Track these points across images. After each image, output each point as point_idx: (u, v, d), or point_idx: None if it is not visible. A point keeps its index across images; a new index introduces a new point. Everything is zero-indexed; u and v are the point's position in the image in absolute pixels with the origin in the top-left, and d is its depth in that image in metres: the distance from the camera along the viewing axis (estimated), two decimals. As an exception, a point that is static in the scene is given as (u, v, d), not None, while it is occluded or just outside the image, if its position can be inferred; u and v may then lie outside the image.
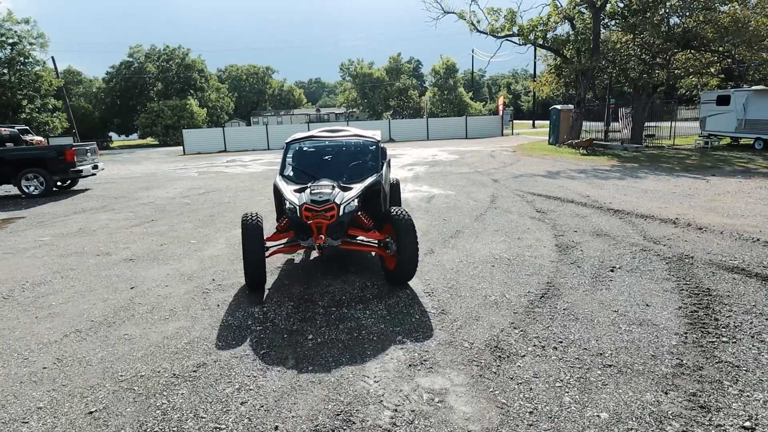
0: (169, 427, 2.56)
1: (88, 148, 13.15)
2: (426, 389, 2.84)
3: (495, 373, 3.00)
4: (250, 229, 4.29)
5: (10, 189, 12.74)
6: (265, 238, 4.52)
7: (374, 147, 5.48)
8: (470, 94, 54.64)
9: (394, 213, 4.39)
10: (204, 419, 2.62)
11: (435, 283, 4.62)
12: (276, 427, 2.53)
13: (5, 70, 34.25)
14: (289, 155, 5.49)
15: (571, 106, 22.10)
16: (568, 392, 2.76)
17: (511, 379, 2.93)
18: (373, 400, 2.74)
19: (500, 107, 37.00)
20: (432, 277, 4.79)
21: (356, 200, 4.42)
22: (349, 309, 4.06)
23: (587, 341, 3.36)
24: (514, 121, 40.08)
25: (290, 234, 4.67)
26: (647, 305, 3.91)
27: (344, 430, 2.50)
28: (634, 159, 15.25)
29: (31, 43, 35.04)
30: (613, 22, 20.45)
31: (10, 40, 34.06)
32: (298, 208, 4.32)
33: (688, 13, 17.60)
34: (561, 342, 3.36)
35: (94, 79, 62.86)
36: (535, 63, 38.18)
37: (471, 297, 4.23)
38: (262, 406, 2.71)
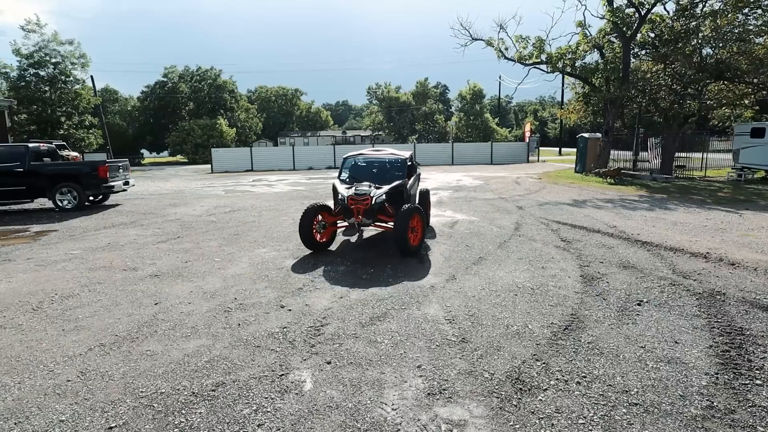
0: (186, 446, 2.57)
1: (120, 164, 13.65)
2: (444, 419, 2.78)
3: (516, 406, 2.92)
4: (306, 210, 6.83)
5: (45, 202, 13.28)
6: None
7: (402, 162, 7.78)
8: (496, 119, 54.74)
9: (403, 209, 6.39)
10: (220, 439, 2.62)
11: (456, 310, 4.56)
12: (291, 452, 2.51)
13: (47, 88, 36.16)
14: (345, 166, 8.08)
15: (598, 135, 21.86)
16: (591, 430, 2.66)
17: (533, 413, 2.84)
18: (390, 429, 2.70)
19: (526, 134, 36.93)
20: (453, 303, 4.73)
21: (384, 195, 6.77)
22: (365, 327, 4.03)
23: (612, 377, 3.24)
24: (541, 148, 39.84)
25: (340, 217, 7.01)
26: (676, 342, 3.76)
27: (359, 458, 2.45)
28: (663, 190, 14.89)
29: (73, 63, 37.00)
30: (643, 52, 20.32)
31: (54, 60, 36.07)
32: (345, 198, 6.76)
33: (721, 45, 17.33)
34: (585, 377, 3.25)
35: (129, 97, 65.72)
36: (562, 90, 38.12)
37: (492, 326, 4.15)
38: (280, 429, 2.70)
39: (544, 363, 3.46)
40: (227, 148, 40.47)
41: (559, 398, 3.00)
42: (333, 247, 7.34)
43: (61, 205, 12.18)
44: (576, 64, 20.80)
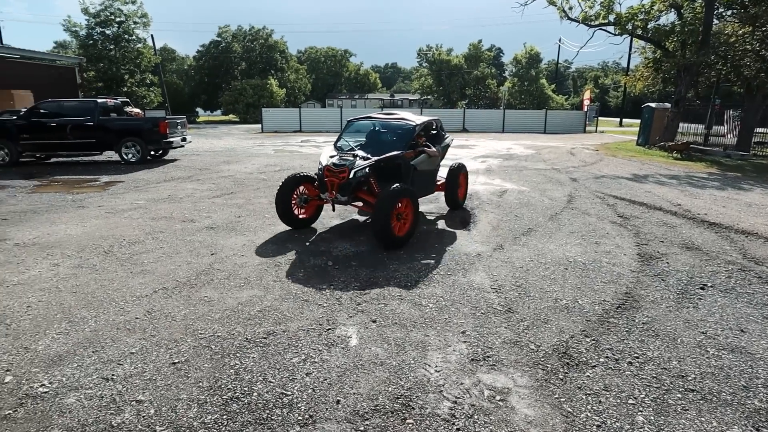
0: (240, 387, 2.74)
1: (178, 121, 14.17)
2: (487, 386, 2.80)
3: (562, 380, 2.88)
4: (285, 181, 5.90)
5: (112, 155, 14.09)
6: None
7: (408, 130, 6.24)
8: (552, 86, 51.88)
9: (389, 189, 5.10)
10: (272, 384, 2.77)
11: (503, 279, 4.50)
12: (338, 401, 2.61)
13: (112, 46, 37.76)
14: (347, 130, 6.72)
15: (667, 105, 20.27)
16: (642, 411, 2.59)
17: (579, 388, 2.79)
18: (433, 389, 2.75)
19: (585, 102, 34.87)
20: (500, 273, 4.67)
21: (367, 169, 5.45)
22: (410, 290, 4.07)
23: (668, 361, 3.11)
24: (599, 118, 37.56)
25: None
26: (742, 331, 3.54)
27: (403, 414, 2.53)
28: (738, 168, 13.74)
29: (135, 22, 38.25)
30: (729, 12, 18.31)
31: (118, 19, 37.42)
32: (322, 168, 5.57)
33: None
34: (637, 357, 3.15)
35: (185, 56, 67.46)
36: (629, 55, 35.38)
37: (540, 298, 4.07)
38: (326, 380, 2.82)
39: (593, 340, 3.37)
40: (277, 108, 41.00)
41: (608, 376, 2.92)
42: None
43: (126, 158, 12.90)
44: (648, 26, 19.12)
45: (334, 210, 6.66)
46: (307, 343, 3.25)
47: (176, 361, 3.01)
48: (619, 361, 3.10)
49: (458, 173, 7.25)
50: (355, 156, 5.56)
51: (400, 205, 5.22)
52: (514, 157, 15.63)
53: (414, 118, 6.49)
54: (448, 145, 7.20)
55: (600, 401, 2.67)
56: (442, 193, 7.42)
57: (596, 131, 32.32)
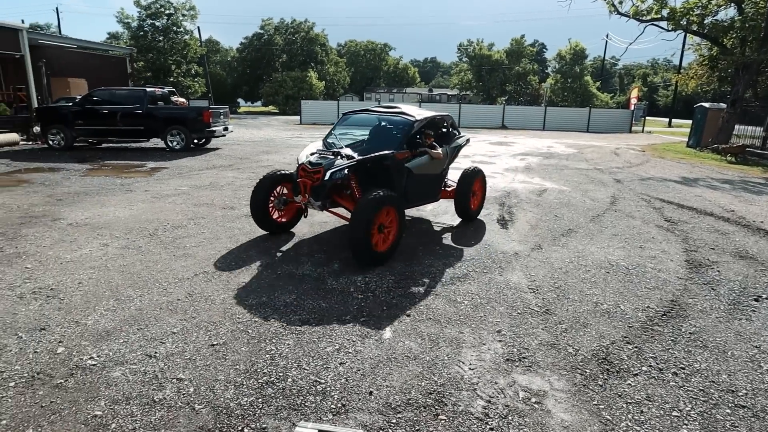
0: (276, 372, 2.80)
1: (221, 111, 14.56)
2: (522, 387, 2.74)
3: (601, 386, 2.78)
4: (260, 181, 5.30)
5: (158, 142, 14.63)
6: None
7: (404, 126, 5.41)
8: (597, 83, 50.01)
9: (368, 196, 4.36)
10: (306, 371, 2.81)
11: (540, 280, 4.38)
12: (371, 392, 2.62)
13: (161, 38, 39.25)
14: (339, 124, 6.00)
15: (722, 105, 19.17)
16: (687, 425, 2.47)
17: (620, 396, 2.69)
18: (466, 387, 2.71)
19: (632, 100, 33.43)
20: (538, 273, 4.55)
21: (345, 170, 4.67)
22: (445, 286, 4.03)
23: (717, 374, 2.95)
24: (647, 118, 35.91)
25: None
26: (801, 346, 3.31)
27: (435, 409, 2.51)
28: (797, 173, 12.84)
29: (183, 15, 39.61)
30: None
31: (167, 12, 38.82)
32: (298, 166, 4.89)
33: None
34: (683, 368, 3.00)
35: (229, 48, 69.09)
36: (682, 52, 33.54)
37: (579, 301, 3.94)
38: (359, 370, 2.83)
39: (636, 347, 3.24)
40: (315, 100, 41.47)
41: (651, 386, 2.80)
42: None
43: (171, 145, 13.38)
44: (705, 21, 18.09)
45: (306, 216, 5.62)
46: (341, 333, 3.28)
47: (215, 343, 3.10)
48: (663, 370, 2.97)
49: (473, 179, 6.21)
50: (336, 154, 4.82)
51: (382, 214, 4.43)
52: (554, 155, 15.20)
53: (416, 112, 5.67)
54: (460, 146, 6.31)
55: (642, 411, 2.57)
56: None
57: (643, 131, 30.96)
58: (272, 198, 5.31)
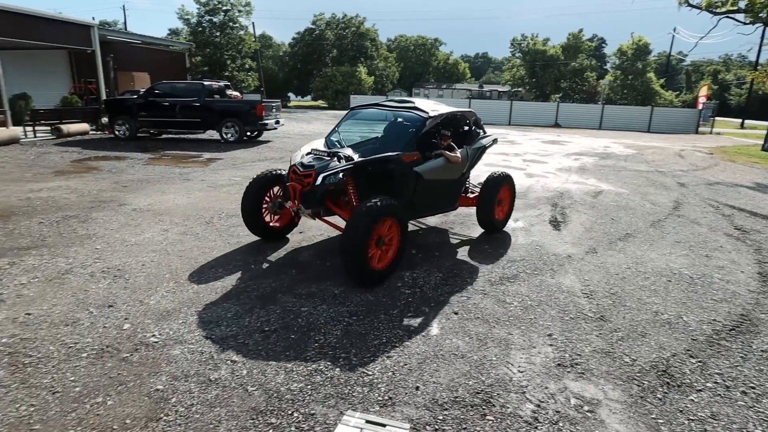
0: (324, 360, 2.85)
1: (273, 104, 14.95)
2: (575, 393, 2.64)
3: (660, 399, 2.63)
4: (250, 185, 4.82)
5: (213, 134, 15.24)
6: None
7: (415, 124, 4.69)
8: (661, 80, 47.16)
9: (363, 206, 3.79)
10: (354, 362, 2.84)
11: (595, 285, 4.20)
12: (417, 387, 2.62)
13: (218, 33, 40.84)
14: (345, 119, 5.45)
15: (803, 105, 17.53)
16: (758, 448, 2.29)
17: (681, 411, 2.54)
18: (515, 389, 2.65)
19: (700, 99, 31.29)
20: (592, 278, 4.37)
21: (340, 174, 4.06)
22: (494, 286, 3.95)
23: (793, 396, 2.71)
24: (716, 118, 33.44)
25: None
26: None
27: (483, 409, 2.47)
28: None
29: (239, 11, 41.06)
30: None
31: (224, 8, 40.35)
32: (289, 167, 4.42)
33: None
34: (753, 388, 2.78)
35: (281, 43, 70.87)
36: (760, 47, 30.97)
37: (638, 309, 3.75)
38: (406, 365, 2.84)
39: (700, 362, 3.04)
40: (364, 95, 41.76)
41: (716, 404, 2.62)
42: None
43: (225, 137, 13.91)
44: (789, 14, 16.61)
45: (297, 223, 5.14)
46: (387, 327, 3.29)
47: (266, 329, 3.20)
48: (730, 388, 2.77)
49: (499, 185, 5.43)
50: (333, 155, 4.24)
51: (380, 225, 3.86)
52: (611, 156, 14.51)
53: (430, 108, 4.94)
54: (484, 147, 5.54)
55: (705, 429, 2.41)
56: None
57: (711, 132, 28.90)
58: (267, 200, 4.81)
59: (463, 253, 4.89)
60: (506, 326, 3.38)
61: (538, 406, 2.52)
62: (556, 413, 2.47)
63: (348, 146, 4.71)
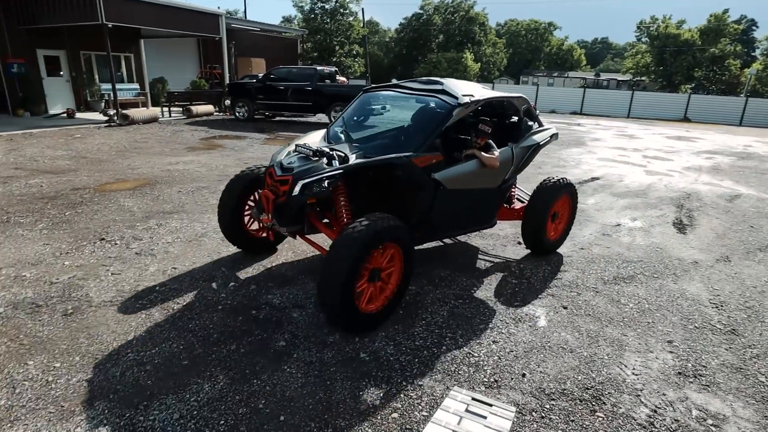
0: (432, 338, 2.99)
1: (380, 90, 15.31)
2: (697, 405, 2.47)
3: (804, 428, 2.36)
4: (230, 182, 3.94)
5: (321, 117, 16.06)
6: None
7: (440, 114, 3.54)
8: (828, 69, 39.47)
9: (354, 226, 2.79)
10: (460, 343, 2.94)
11: (727, 296, 3.80)
12: (523, 375, 2.65)
13: (328, 20, 42.54)
14: (351, 107, 4.21)
15: None
16: None
17: (830, 445, 2.25)
18: (629, 391, 2.55)
19: None
20: (723, 288, 3.95)
21: (326, 182, 3.01)
22: (607, 285, 3.77)
23: None
24: None
25: None
26: None
27: (592, 405, 2.43)
28: None
29: (350, -3, 42.30)
30: None
31: None
32: (266, 168, 3.44)
33: None
34: None
35: (387, 29, 71.83)
36: None
37: (780, 328, 3.33)
38: (512, 351, 2.87)
39: None
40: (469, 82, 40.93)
41: None
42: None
43: (334, 121, 14.62)
44: None
45: (272, 238, 4.05)
46: (492, 313, 3.33)
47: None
48: None
49: (556, 195, 4.23)
50: (322, 155, 3.15)
51: (378, 253, 2.94)
52: (753, 156, 12.65)
53: (462, 91, 3.68)
54: (537, 145, 4.22)
55: None
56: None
57: None
58: (248, 205, 3.89)
59: (571, 247, 4.70)
60: (620, 327, 3.23)
61: (654, 411, 2.41)
62: (675, 421, 2.34)
63: (349, 141, 3.63)
